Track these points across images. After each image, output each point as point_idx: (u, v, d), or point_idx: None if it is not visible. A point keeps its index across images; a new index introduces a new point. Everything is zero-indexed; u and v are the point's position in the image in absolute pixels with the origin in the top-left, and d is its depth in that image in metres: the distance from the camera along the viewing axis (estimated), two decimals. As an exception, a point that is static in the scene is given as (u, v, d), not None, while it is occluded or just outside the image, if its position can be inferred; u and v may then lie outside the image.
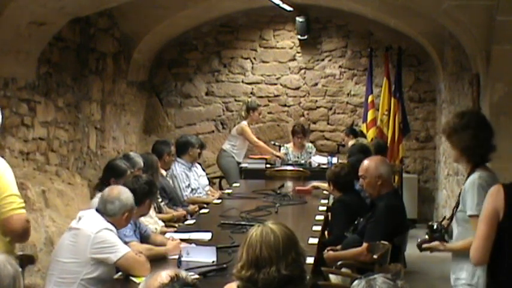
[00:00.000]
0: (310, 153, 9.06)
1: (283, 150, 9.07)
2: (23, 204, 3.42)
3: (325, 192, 7.06)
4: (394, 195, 5.06)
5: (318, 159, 8.83)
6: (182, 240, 4.67)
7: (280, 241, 2.67)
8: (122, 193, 4.17)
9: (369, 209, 5.06)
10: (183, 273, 2.29)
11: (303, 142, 9.08)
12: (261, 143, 8.92)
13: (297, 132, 9.01)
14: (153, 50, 9.89)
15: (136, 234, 4.58)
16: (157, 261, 4.20)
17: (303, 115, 10.31)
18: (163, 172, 6.80)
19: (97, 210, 4.09)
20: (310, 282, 3.35)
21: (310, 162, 8.82)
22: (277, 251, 2.65)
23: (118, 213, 4.08)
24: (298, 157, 9.02)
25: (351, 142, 8.31)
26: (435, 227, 3.69)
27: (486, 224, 3.23)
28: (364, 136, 8.88)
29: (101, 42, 8.17)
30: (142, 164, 5.85)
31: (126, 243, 4.11)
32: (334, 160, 8.33)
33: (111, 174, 5.32)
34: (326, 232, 5.82)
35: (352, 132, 9.02)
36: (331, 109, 10.28)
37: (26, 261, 4.19)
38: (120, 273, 3.95)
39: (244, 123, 8.76)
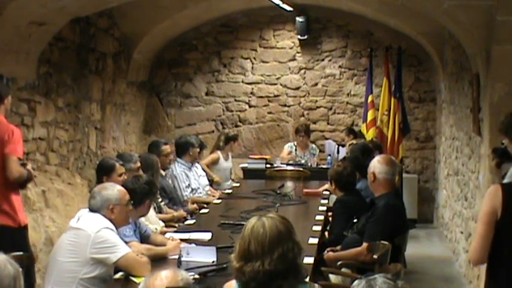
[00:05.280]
0: (314, 154, 9.10)
1: (288, 148, 9.11)
2: None
3: (325, 192, 7.08)
4: (395, 195, 5.06)
5: (331, 145, 9.08)
6: (182, 240, 4.68)
7: (268, 237, 2.72)
8: (105, 188, 4.15)
9: (369, 208, 5.06)
10: (184, 273, 2.30)
11: (306, 142, 9.10)
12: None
13: (300, 131, 9.05)
14: (153, 50, 9.89)
15: (136, 234, 4.58)
16: (157, 261, 4.20)
17: (303, 115, 10.31)
18: (162, 172, 6.79)
19: (89, 209, 4.10)
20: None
21: (310, 163, 8.85)
22: (262, 246, 2.71)
23: (102, 207, 4.03)
24: (301, 157, 9.05)
25: (349, 142, 8.33)
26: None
27: (484, 223, 3.24)
28: (363, 136, 8.89)
29: (101, 42, 8.17)
30: (137, 159, 5.83)
31: (126, 243, 4.10)
32: (342, 151, 8.38)
33: (102, 173, 5.33)
34: (326, 232, 5.82)
35: (352, 132, 9.06)
36: (331, 109, 10.29)
37: (26, 261, 4.19)
38: (120, 273, 3.95)
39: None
